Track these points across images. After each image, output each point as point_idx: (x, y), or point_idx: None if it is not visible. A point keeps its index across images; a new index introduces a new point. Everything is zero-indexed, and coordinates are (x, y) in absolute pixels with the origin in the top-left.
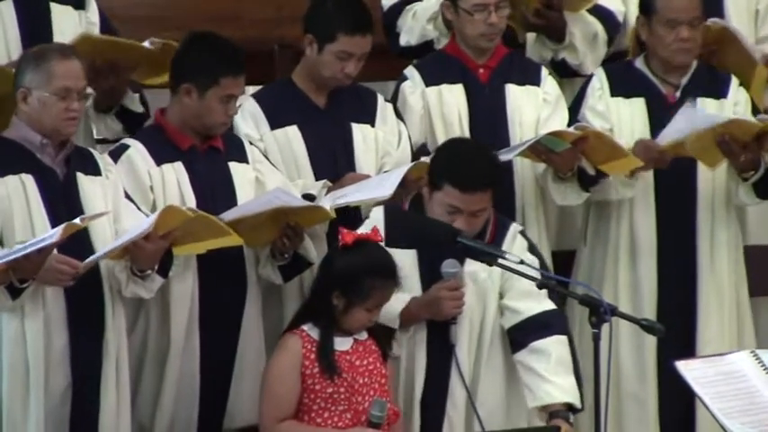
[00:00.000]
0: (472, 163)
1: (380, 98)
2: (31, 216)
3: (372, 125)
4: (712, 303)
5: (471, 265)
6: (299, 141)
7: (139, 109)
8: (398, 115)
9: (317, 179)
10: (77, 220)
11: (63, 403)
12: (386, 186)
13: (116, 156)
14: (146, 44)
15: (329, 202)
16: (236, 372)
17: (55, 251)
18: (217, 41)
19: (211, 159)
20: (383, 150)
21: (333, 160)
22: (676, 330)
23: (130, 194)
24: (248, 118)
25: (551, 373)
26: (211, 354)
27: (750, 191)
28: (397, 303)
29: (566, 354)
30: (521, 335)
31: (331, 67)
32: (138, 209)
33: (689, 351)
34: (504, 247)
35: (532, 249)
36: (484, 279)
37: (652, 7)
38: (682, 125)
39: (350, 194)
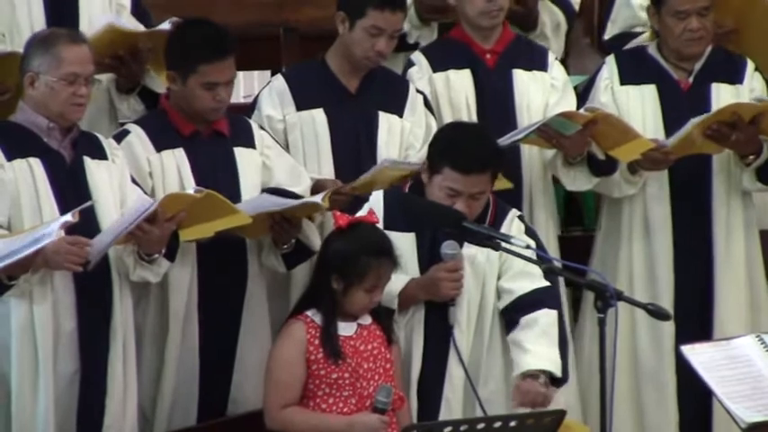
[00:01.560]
0: (471, 145)
1: (412, 88)
2: (38, 199)
3: (400, 116)
4: (728, 287)
5: (469, 249)
6: (324, 125)
7: (161, 89)
8: (428, 107)
9: (336, 165)
10: (69, 216)
11: (71, 387)
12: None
13: (117, 140)
14: (165, 25)
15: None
16: (238, 358)
17: (63, 234)
18: (200, 28)
19: (215, 144)
20: (407, 142)
21: (355, 147)
22: (693, 314)
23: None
24: (274, 96)
25: (533, 344)
26: (212, 340)
27: (752, 176)
28: (396, 284)
29: (551, 327)
30: (512, 314)
31: (362, 44)
32: (145, 193)
33: (706, 334)
34: (503, 231)
35: (529, 232)
36: (482, 262)
37: None
38: (685, 130)
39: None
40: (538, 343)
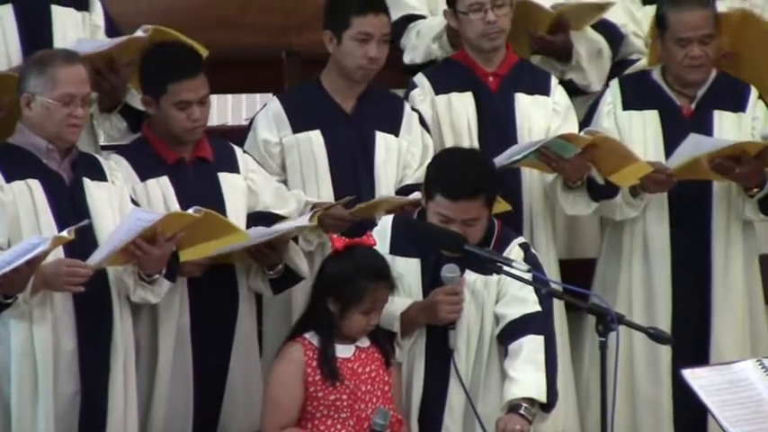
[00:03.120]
0: (459, 171)
1: (407, 107)
2: (38, 221)
3: (396, 135)
4: (725, 313)
5: (469, 275)
6: (321, 146)
7: (141, 106)
8: (424, 125)
9: (334, 185)
10: (65, 233)
11: (72, 408)
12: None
13: None
14: (138, 33)
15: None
16: (229, 381)
17: (63, 256)
18: (168, 49)
19: (199, 171)
20: (404, 162)
21: (353, 168)
22: (690, 339)
23: None
24: (271, 118)
25: (517, 371)
26: (204, 364)
27: (755, 207)
28: (397, 306)
29: (536, 352)
30: (503, 340)
31: (353, 53)
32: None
33: (703, 358)
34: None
35: (529, 260)
36: (480, 289)
37: (664, 24)
38: (688, 151)
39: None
40: (522, 370)
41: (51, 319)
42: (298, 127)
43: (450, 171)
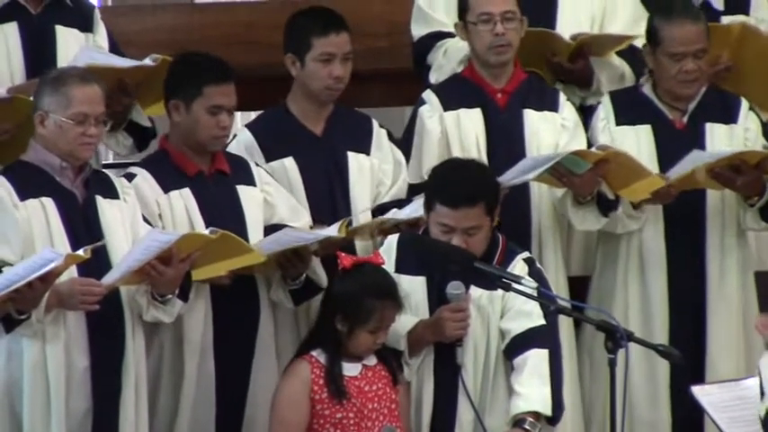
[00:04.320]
0: (457, 179)
1: (375, 124)
2: (51, 239)
3: (368, 153)
4: (721, 328)
5: (474, 291)
6: (296, 172)
7: (147, 123)
8: (393, 141)
9: (312, 208)
10: (81, 252)
11: (84, 425)
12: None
13: None
14: (147, 61)
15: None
16: (250, 394)
17: (76, 275)
18: (199, 55)
19: (219, 183)
20: (377, 179)
21: (328, 190)
22: (687, 354)
23: None
24: (243, 150)
25: (522, 385)
26: (226, 378)
27: (756, 216)
28: (404, 325)
29: (540, 366)
30: (509, 355)
31: (318, 75)
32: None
33: (699, 372)
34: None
35: (533, 274)
36: (485, 304)
37: (657, 38)
38: (688, 166)
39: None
40: (528, 384)
41: (64, 337)
42: (270, 155)
43: (449, 179)
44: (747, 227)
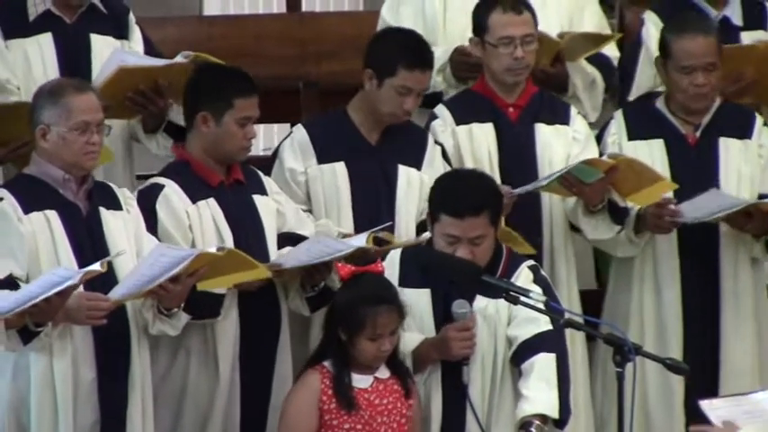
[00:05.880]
0: (462, 189)
1: (431, 139)
2: (56, 252)
3: (419, 168)
4: (736, 342)
5: (480, 301)
6: (345, 178)
7: (183, 122)
8: (446, 158)
9: (355, 217)
10: (97, 266)
11: None
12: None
13: (151, 196)
14: (179, 59)
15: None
16: (272, 401)
17: (81, 289)
18: (224, 67)
19: (238, 193)
20: (425, 195)
21: (374, 200)
22: (703, 369)
23: (172, 233)
24: (296, 148)
25: (529, 389)
26: (250, 385)
27: (763, 249)
28: (408, 343)
29: (547, 369)
30: (517, 361)
31: (390, 102)
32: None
33: (714, 388)
34: (513, 281)
35: (538, 281)
36: (492, 314)
37: (668, 52)
38: (704, 203)
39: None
40: (535, 388)
41: (71, 351)
42: (323, 157)
43: (454, 190)
44: (755, 255)
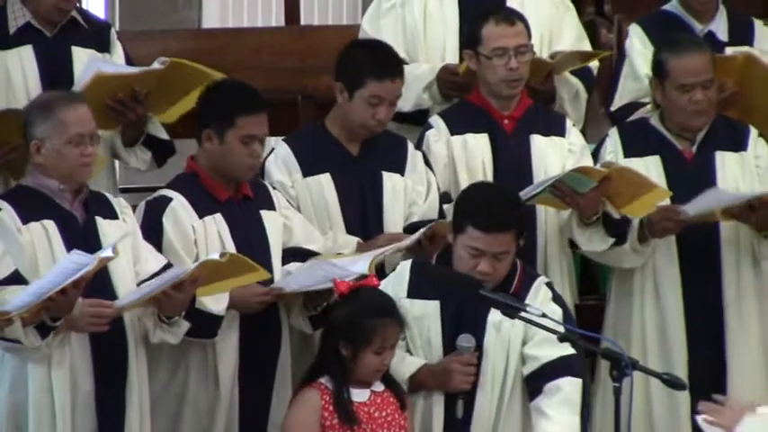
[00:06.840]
0: (493, 204)
1: (410, 146)
2: (54, 261)
3: (402, 174)
4: (741, 352)
5: (495, 315)
6: (331, 189)
7: (164, 135)
8: (428, 164)
9: (345, 226)
10: (110, 251)
11: None
12: (360, 264)
13: (158, 208)
14: (155, 65)
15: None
16: (270, 420)
17: (80, 298)
18: (232, 85)
19: (245, 208)
20: (410, 200)
21: (362, 209)
22: (708, 381)
23: (177, 248)
24: (281, 163)
25: (553, 410)
26: (248, 404)
27: None
28: (407, 368)
29: (574, 395)
30: (537, 381)
31: (362, 113)
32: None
33: None
34: (529, 299)
35: (557, 300)
36: (507, 327)
37: (664, 71)
38: (706, 202)
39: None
40: (558, 410)
41: (69, 361)
42: (307, 171)
43: (483, 203)
44: (763, 257)
